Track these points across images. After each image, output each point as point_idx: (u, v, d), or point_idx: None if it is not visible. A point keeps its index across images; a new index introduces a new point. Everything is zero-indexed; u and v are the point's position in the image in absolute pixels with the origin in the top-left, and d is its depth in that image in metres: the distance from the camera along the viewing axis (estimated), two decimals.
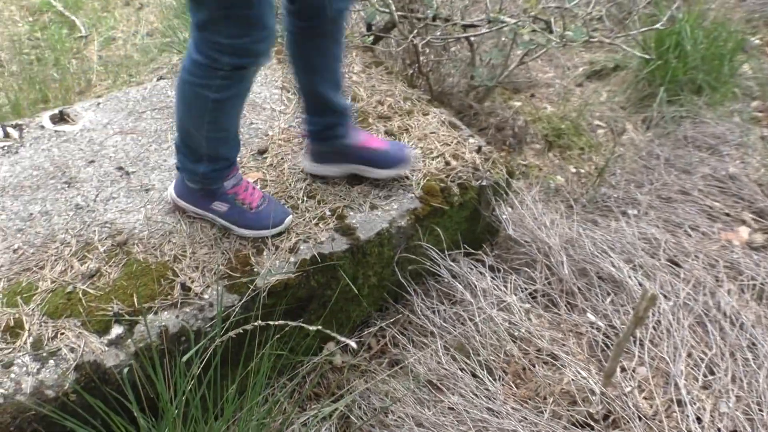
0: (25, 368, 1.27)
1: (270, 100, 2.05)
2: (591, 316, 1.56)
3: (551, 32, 2.10)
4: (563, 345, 1.52)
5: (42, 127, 1.84)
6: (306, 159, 1.76)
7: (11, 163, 1.71)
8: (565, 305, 1.63)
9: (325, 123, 1.67)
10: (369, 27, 2.50)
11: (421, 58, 2.44)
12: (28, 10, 4.06)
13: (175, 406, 1.26)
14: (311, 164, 1.76)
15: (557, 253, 1.73)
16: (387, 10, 2.36)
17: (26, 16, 3.98)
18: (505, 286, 1.71)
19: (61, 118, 1.87)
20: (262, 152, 1.85)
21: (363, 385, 1.65)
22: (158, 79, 3.16)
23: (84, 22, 3.84)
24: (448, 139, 1.97)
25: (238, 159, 1.70)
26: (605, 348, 1.53)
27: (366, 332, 1.78)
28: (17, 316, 1.35)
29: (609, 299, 1.62)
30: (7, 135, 1.78)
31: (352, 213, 1.69)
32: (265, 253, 1.55)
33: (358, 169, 1.75)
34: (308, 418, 1.54)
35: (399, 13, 2.36)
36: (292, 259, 1.55)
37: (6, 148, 1.75)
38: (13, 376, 1.25)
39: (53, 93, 2.93)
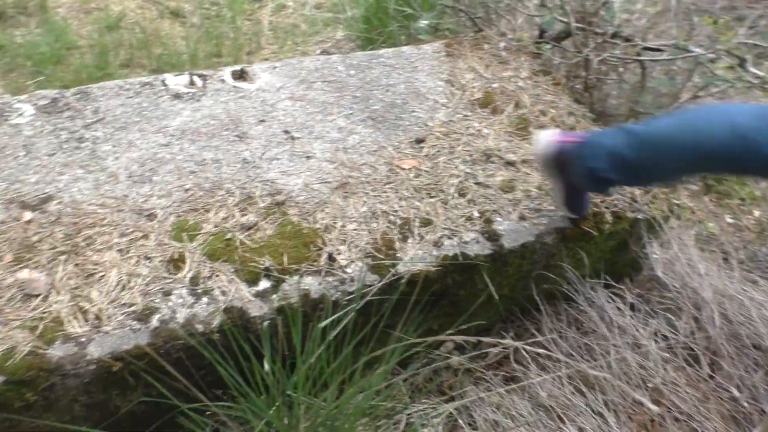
0: (181, 300, 1.36)
1: (434, 92, 2.06)
2: (735, 392, 1.45)
3: (745, 70, 1.95)
4: (700, 408, 1.43)
5: (223, 80, 1.96)
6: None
7: (193, 109, 1.83)
8: (709, 365, 1.52)
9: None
10: (542, 33, 2.44)
11: (590, 74, 2.35)
12: None
13: (306, 366, 1.31)
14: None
15: (708, 307, 1.61)
16: (565, 20, 2.30)
17: None
18: (644, 329, 1.62)
19: (240, 75, 1.98)
20: (419, 141, 1.86)
21: (476, 393, 1.63)
22: (321, 52, 3.29)
23: None
24: None
25: (396, 143, 1.72)
26: (748, 429, 1.42)
27: (487, 340, 1.75)
28: (181, 251, 1.45)
29: (761, 373, 1.49)
30: (192, 83, 1.91)
31: (500, 219, 1.66)
32: (409, 241, 1.57)
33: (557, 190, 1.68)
34: (416, 411, 1.55)
35: (577, 24, 2.29)
36: (434, 252, 1.55)
37: (190, 94, 1.88)
38: (170, 304, 1.35)
39: (226, 50, 3.11)
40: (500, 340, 1.71)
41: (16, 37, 2.93)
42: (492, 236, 1.62)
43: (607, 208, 1.76)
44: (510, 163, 1.83)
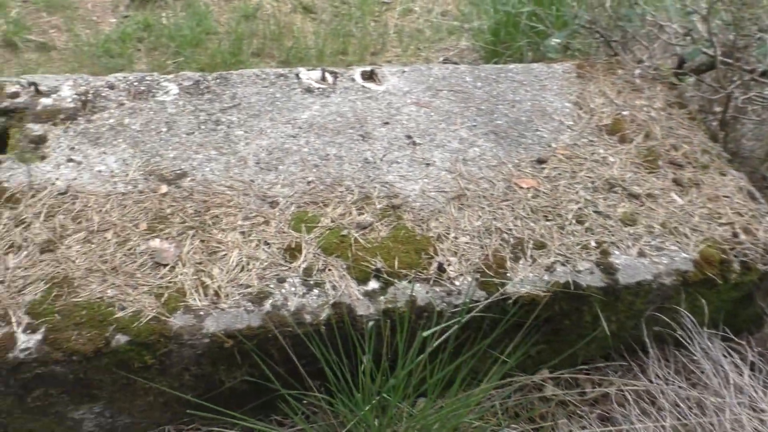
0: (294, 288, 1.41)
1: (560, 112, 2.01)
2: None
3: None
4: None
5: (353, 79, 2.00)
6: None
7: (322, 104, 1.89)
8: None
9: None
10: (681, 64, 2.32)
11: (728, 111, 2.21)
12: None
13: (406, 372, 1.31)
14: None
15: None
16: (710, 53, 2.17)
17: None
18: (764, 392, 1.50)
19: (370, 76, 2.02)
20: (541, 162, 1.82)
21: (569, 427, 1.58)
22: (444, 60, 3.29)
23: None
24: (742, 209, 1.77)
25: (516, 161, 1.69)
26: None
27: (585, 375, 1.69)
28: (298, 241, 1.50)
29: None
30: (324, 79, 1.97)
31: (617, 252, 1.60)
32: (521, 262, 1.54)
33: None
34: None
35: (723, 58, 2.15)
36: (546, 277, 1.52)
37: (321, 90, 1.94)
38: (283, 291, 1.40)
39: (352, 48, 3.19)
40: (603, 377, 1.64)
41: (161, 18, 3.14)
42: (607, 269, 1.56)
43: (736, 256, 1.65)
44: (634, 196, 1.76)
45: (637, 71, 2.22)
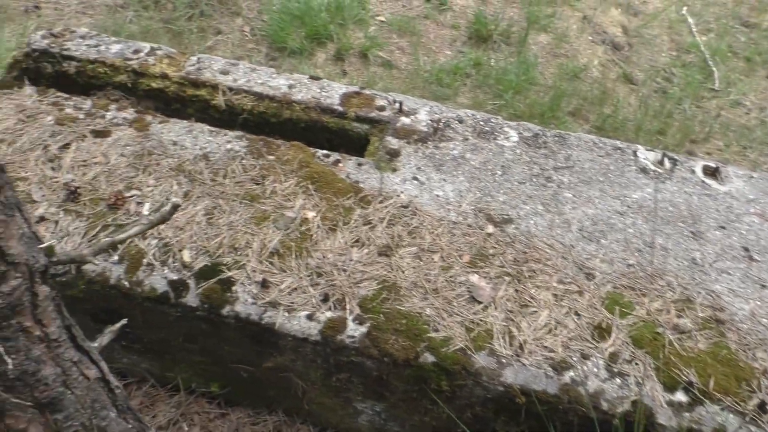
0: (596, 370, 1.37)
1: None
2: None
3: None
4: None
5: (692, 171, 1.90)
6: None
7: (655, 189, 1.82)
8: None
9: None
10: None
11: None
12: (676, 44, 4.26)
13: None
14: None
15: None
16: None
17: (672, 49, 4.19)
18: None
19: (712, 173, 1.89)
20: None
21: None
22: None
23: (721, 77, 3.83)
24: None
25: None
26: None
27: None
28: (609, 323, 1.46)
29: None
30: (662, 162, 1.90)
31: None
32: None
33: None
34: None
35: None
36: None
37: (656, 173, 1.87)
38: (585, 368, 1.37)
39: (671, 130, 3.03)
40: None
41: (491, 60, 3.32)
42: None
43: None
44: None
45: None
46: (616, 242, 1.66)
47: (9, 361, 1.00)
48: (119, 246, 1.47)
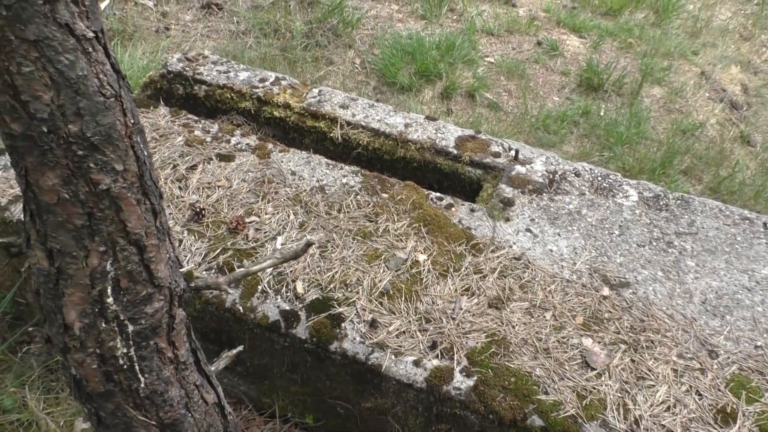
0: None
1: None
2: None
3: None
4: None
5: None
6: None
7: None
8: None
9: None
10: None
11: None
12: None
13: None
14: None
15: None
16: None
17: None
18: None
19: None
20: None
21: None
22: None
23: None
24: None
25: None
26: None
27: None
28: (734, 407, 1.36)
29: None
30: None
31: None
32: None
33: None
34: None
35: None
36: None
37: None
38: None
39: None
40: None
41: (601, 109, 3.24)
42: None
43: None
44: None
45: None
46: (742, 320, 1.55)
47: (142, 379, 1.03)
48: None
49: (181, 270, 1.09)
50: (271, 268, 1.55)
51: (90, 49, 0.83)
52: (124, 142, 0.90)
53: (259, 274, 1.54)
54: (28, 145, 0.84)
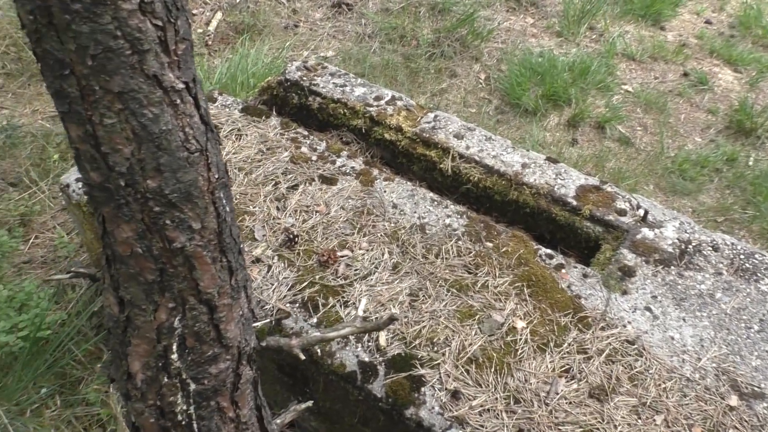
0: None
1: None
2: None
3: None
4: None
5: None
6: None
7: None
8: None
9: None
10: None
11: None
12: None
13: None
14: None
15: None
16: None
17: None
18: None
19: None
20: None
21: None
22: None
23: None
24: None
25: None
26: None
27: None
28: None
29: None
30: None
31: None
32: None
33: None
34: None
35: None
36: None
37: None
38: None
39: None
40: None
41: (750, 157, 2.87)
42: None
43: None
44: None
45: None
46: None
47: None
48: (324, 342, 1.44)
49: (254, 325, 1.02)
50: (356, 311, 1.46)
51: (178, 101, 0.75)
52: (204, 199, 0.83)
53: (342, 314, 1.45)
54: (106, 196, 0.78)
